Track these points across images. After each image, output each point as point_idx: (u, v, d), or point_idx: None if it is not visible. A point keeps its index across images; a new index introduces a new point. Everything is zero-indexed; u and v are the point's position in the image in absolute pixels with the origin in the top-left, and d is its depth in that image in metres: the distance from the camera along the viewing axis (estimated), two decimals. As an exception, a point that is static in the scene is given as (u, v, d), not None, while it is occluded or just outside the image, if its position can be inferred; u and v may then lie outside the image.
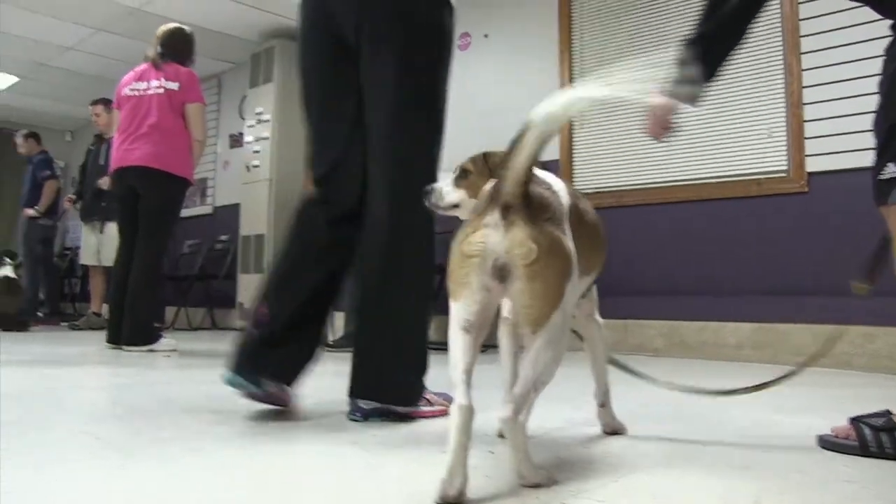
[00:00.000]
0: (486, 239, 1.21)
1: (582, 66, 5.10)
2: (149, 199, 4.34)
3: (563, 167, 5.08)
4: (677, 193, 4.59)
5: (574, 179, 5.05)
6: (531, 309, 1.21)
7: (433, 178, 1.96)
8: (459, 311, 1.25)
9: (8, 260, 6.49)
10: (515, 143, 1.18)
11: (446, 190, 1.81)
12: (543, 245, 1.20)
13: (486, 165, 1.77)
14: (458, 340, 1.25)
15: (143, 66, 4.56)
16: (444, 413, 1.92)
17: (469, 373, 1.24)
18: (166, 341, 4.35)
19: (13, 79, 8.78)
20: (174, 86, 4.39)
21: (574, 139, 5.08)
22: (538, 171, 1.32)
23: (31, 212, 7.51)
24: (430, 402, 2.03)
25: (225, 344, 5.41)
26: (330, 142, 2.08)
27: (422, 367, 2.04)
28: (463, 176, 1.80)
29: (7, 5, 6.67)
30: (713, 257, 4.42)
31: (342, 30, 2.00)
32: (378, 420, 1.95)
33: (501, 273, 1.21)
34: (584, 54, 5.10)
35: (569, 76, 5.13)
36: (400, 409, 1.97)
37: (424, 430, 1.85)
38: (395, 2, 1.97)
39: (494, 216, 1.22)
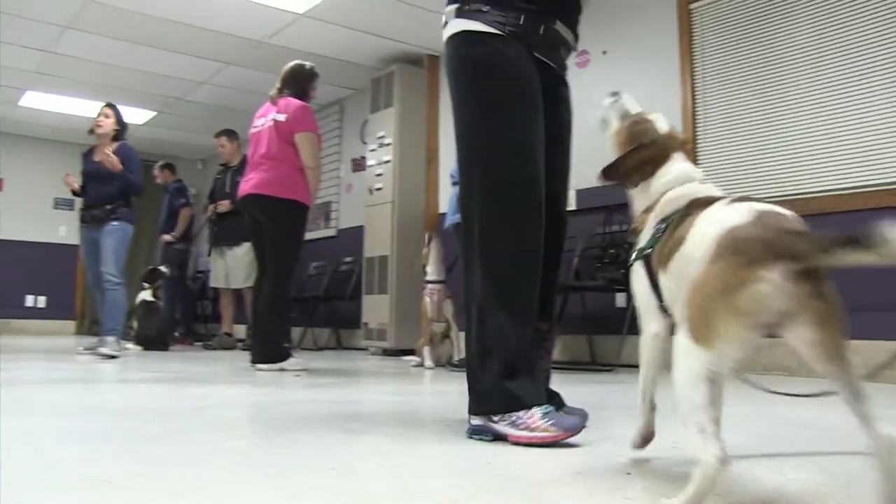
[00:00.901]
0: (769, 298, 1.09)
1: (704, 81, 4.96)
2: (267, 225, 4.55)
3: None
4: (814, 205, 4.34)
5: (699, 192, 4.91)
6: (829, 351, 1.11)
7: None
8: (711, 361, 1.14)
9: (146, 284, 6.84)
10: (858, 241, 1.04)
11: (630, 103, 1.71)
12: (833, 303, 1.11)
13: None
14: (701, 389, 1.14)
15: (266, 104, 4.81)
16: (545, 441, 1.76)
17: (718, 423, 1.17)
18: (295, 361, 4.49)
19: (151, 113, 9.29)
20: (282, 117, 4.58)
21: (699, 148, 4.95)
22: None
23: (167, 237, 7.90)
24: (529, 428, 1.79)
25: (349, 363, 5.55)
26: None
27: (506, 374, 1.86)
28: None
29: (145, 46, 7.08)
30: (858, 272, 4.17)
31: None
32: (485, 438, 1.87)
33: (775, 327, 1.12)
34: (706, 68, 4.96)
35: (691, 91, 5.00)
36: (499, 426, 1.84)
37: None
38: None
39: (779, 274, 1.09)
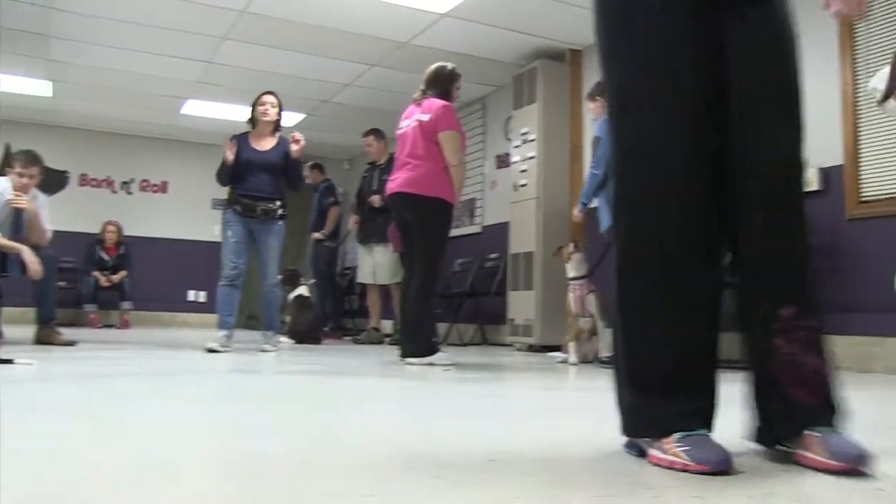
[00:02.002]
0: None
1: (867, 62, 4.69)
2: (413, 223, 4.65)
3: (847, 173, 4.71)
4: None
5: (860, 187, 4.65)
6: None
7: None
8: None
9: (303, 280, 7.10)
10: None
11: None
12: None
13: None
14: None
15: (411, 105, 4.90)
16: (673, 467, 1.48)
17: None
18: (444, 355, 4.55)
19: (301, 116, 9.64)
20: (426, 117, 4.65)
21: (860, 142, 4.69)
22: None
23: (317, 235, 8.18)
24: (662, 449, 1.52)
25: (495, 358, 5.58)
26: None
27: (645, 389, 1.61)
28: None
29: (294, 52, 7.37)
30: None
31: None
32: (632, 453, 1.65)
33: None
34: (871, 47, 4.69)
35: (851, 73, 4.74)
36: (641, 442, 1.61)
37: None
38: None
39: None
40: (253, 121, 5.55)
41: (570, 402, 3.08)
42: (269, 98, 5.55)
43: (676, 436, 1.50)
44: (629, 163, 1.66)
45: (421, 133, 4.65)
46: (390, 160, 7.46)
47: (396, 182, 4.70)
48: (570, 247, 5.16)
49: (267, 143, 5.49)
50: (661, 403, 1.57)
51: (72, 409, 2.29)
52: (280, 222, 5.45)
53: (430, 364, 4.43)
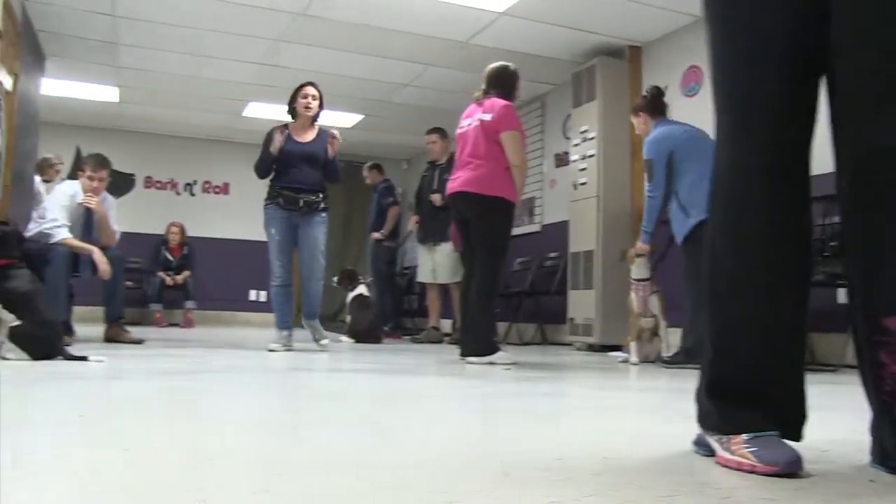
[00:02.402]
0: None
1: None
2: (474, 222, 4.64)
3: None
4: None
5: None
6: None
7: None
8: None
9: (361, 279, 7.16)
10: None
11: None
12: None
13: None
14: None
15: (472, 105, 4.88)
16: (741, 468, 1.44)
17: None
18: (504, 354, 4.53)
19: (359, 117, 9.72)
20: (488, 117, 4.63)
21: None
22: None
23: (377, 235, 8.23)
24: (730, 450, 1.48)
25: (555, 358, 5.55)
26: None
27: (718, 388, 1.58)
28: None
29: (352, 53, 7.42)
30: None
31: None
32: (701, 452, 1.62)
33: None
34: None
35: None
36: (711, 440, 1.56)
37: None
38: None
39: None
40: (293, 112, 5.47)
41: (632, 402, 3.05)
42: (311, 90, 5.44)
43: (745, 436, 1.47)
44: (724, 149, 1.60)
45: (483, 132, 4.63)
46: (451, 160, 7.47)
47: (458, 181, 4.70)
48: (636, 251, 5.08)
49: (308, 135, 5.42)
50: (735, 403, 1.54)
51: (148, 405, 2.34)
52: (323, 214, 5.38)
53: (491, 363, 4.42)
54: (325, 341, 5.48)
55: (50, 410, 2.17)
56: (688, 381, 3.41)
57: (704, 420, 1.59)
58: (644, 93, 5.11)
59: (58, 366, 3.48)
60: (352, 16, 6.54)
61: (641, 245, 4.98)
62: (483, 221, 4.60)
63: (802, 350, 1.60)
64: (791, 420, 1.53)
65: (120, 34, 7.16)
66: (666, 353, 4.84)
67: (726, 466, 1.48)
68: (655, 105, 5.01)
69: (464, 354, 4.60)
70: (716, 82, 1.61)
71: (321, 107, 5.48)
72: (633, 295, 5.01)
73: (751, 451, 1.44)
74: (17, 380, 3.01)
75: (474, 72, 7.48)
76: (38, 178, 6.42)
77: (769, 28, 1.50)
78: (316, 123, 5.48)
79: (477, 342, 4.54)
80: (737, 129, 1.55)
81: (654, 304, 4.92)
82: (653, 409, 2.75)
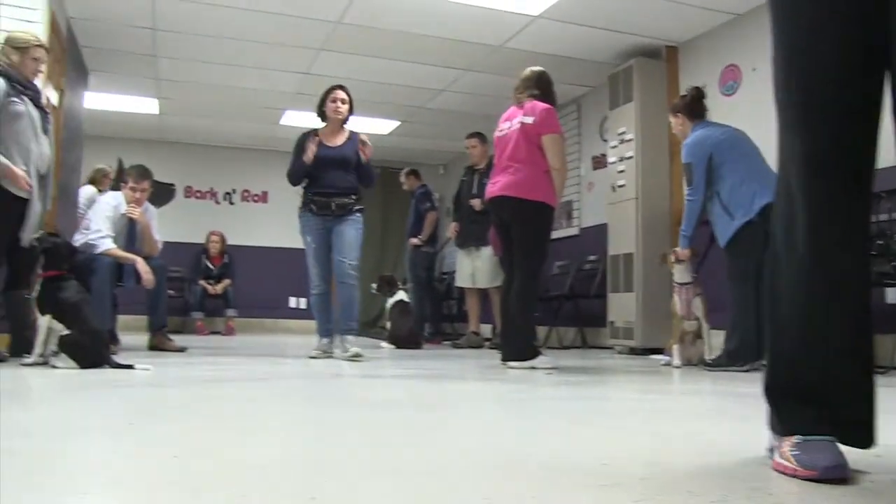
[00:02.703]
0: None
1: None
2: (514, 226, 4.61)
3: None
4: None
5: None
6: None
7: None
8: None
9: (401, 285, 7.18)
10: None
11: None
12: None
13: None
14: None
15: (511, 108, 4.85)
16: (786, 472, 1.43)
17: None
18: (545, 359, 4.52)
19: (395, 123, 9.76)
20: (529, 120, 4.61)
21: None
22: None
23: (415, 241, 8.24)
24: (780, 453, 1.47)
25: (596, 361, 5.52)
26: None
27: (773, 390, 1.55)
28: None
29: (388, 59, 7.46)
30: None
31: None
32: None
33: None
34: None
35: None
36: (773, 441, 1.54)
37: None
38: None
39: None
40: (322, 115, 5.40)
41: (677, 405, 3.02)
42: (340, 93, 5.35)
43: (795, 439, 1.45)
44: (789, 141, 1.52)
45: (523, 136, 4.61)
46: (490, 164, 7.46)
47: (497, 185, 4.68)
48: (675, 255, 5.00)
49: (338, 138, 5.32)
50: (788, 405, 1.52)
51: (194, 413, 2.37)
52: (357, 214, 5.25)
53: (532, 368, 4.41)
54: (353, 351, 5.05)
55: (100, 418, 2.20)
56: (732, 384, 3.39)
57: (768, 422, 1.56)
58: (683, 93, 5.04)
59: (105, 374, 3.54)
60: (388, 23, 6.57)
61: (681, 251, 4.93)
62: (523, 225, 4.58)
63: (867, 354, 1.53)
64: (853, 425, 1.49)
65: (160, 47, 7.27)
66: (709, 356, 4.79)
67: (776, 470, 1.46)
68: (694, 107, 4.93)
69: (505, 359, 4.59)
70: (778, 83, 1.55)
71: (351, 110, 5.41)
72: (675, 298, 4.96)
73: (794, 455, 1.42)
74: (66, 388, 3.07)
75: (509, 75, 7.45)
76: (92, 189, 6.54)
77: (832, 22, 1.46)
78: (346, 126, 5.41)
79: (518, 347, 4.53)
80: (798, 126, 1.51)
81: (698, 306, 4.87)
82: (699, 413, 2.72)
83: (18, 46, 4.28)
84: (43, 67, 4.47)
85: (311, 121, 5.28)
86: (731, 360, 4.46)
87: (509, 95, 5.00)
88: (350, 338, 5.15)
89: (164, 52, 7.39)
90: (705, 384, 3.81)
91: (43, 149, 4.39)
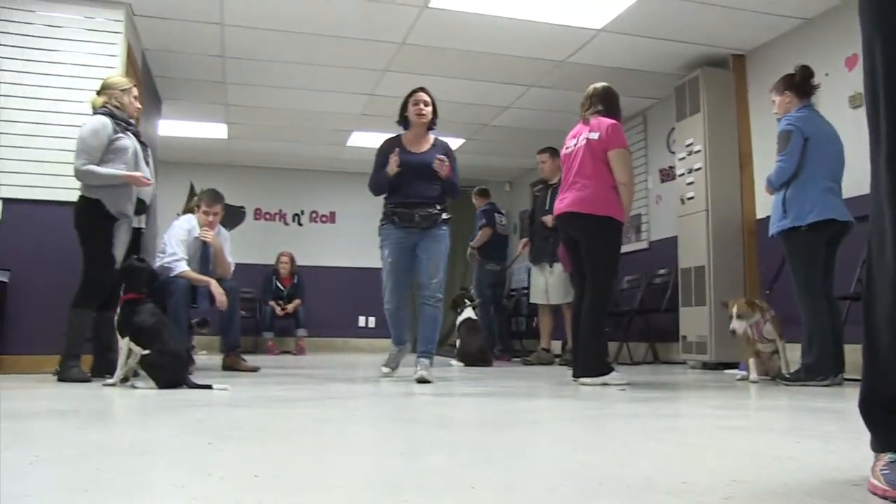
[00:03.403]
0: None
1: None
2: (583, 242, 4.60)
3: None
4: None
5: None
6: None
7: None
8: None
9: (468, 302, 7.18)
10: None
11: None
12: None
13: None
14: None
15: (578, 124, 4.84)
16: (875, 492, 1.36)
17: None
18: (618, 375, 4.47)
19: (461, 141, 9.81)
20: (595, 135, 4.60)
21: None
22: None
23: (470, 250, 8.27)
24: (873, 472, 1.42)
25: (669, 377, 5.43)
26: None
27: (868, 404, 1.49)
28: None
29: (453, 78, 7.49)
30: None
31: None
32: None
33: None
34: None
35: None
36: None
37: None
38: None
39: None
40: (405, 122, 5.11)
41: (756, 422, 2.95)
42: (423, 96, 5.06)
43: (888, 456, 1.39)
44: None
45: (589, 152, 4.60)
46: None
47: (565, 202, 4.68)
48: (735, 308, 4.80)
49: (423, 144, 5.02)
50: (886, 419, 1.45)
51: (271, 432, 2.40)
52: (444, 227, 4.92)
53: (604, 384, 4.37)
54: (420, 375, 4.66)
55: (180, 438, 2.25)
56: (811, 399, 3.30)
57: (871, 438, 1.50)
58: (793, 71, 4.80)
59: (183, 394, 3.61)
60: (451, 42, 6.62)
61: (767, 186, 4.75)
62: (592, 241, 4.56)
63: None
64: None
65: (228, 74, 7.46)
66: (786, 370, 4.67)
67: (870, 491, 1.39)
68: (805, 87, 4.69)
69: (576, 375, 4.56)
70: (873, 96, 1.47)
71: (435, 113, 5.09)
72: (746, 328, 4.82)
73: (884, 474, 1.35)
74: (146, 408, 3.14)
75: (574, 90, 7.44)
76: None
77: None
78: (430, 132, 5.11)
79: (589, 363, 4.49)
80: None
81: (770, 331, 4.75)
82: (780, 429, 2.65)
83: (123, 88, 4.73)
84: (140, 104, 4.88)
85: (378, 141, 5.28)
86: (810, 374, 4.35)
87: (574, 110, 4.98)
88: (425, 361, 4.78)
89: (233, 78, 7.58)
90: (783, 399, 3.71)
91: None
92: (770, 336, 4.75)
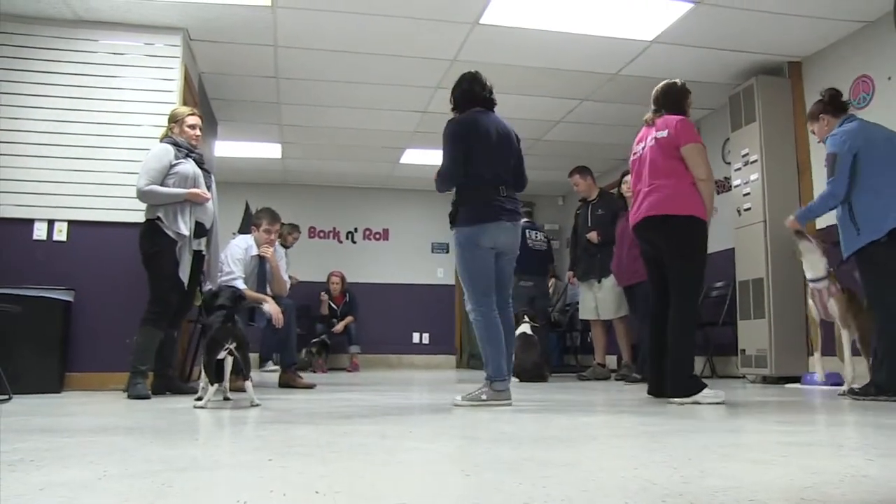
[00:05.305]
0: None
1: None
2: (666, 247, 4.28)
3: None
4: None
5: None
6: None
7: None
8: None
9: (526, 318, 7.14)
10: None
11: None
12: None
13: None
14: None
15: (643, 129, 4.60)
16: None
17: None
18: (711, 392, 4.07)
19: (514, 156, 9.79)
20: (663, 133, 4.32)
21: None
22: None
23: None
24: None
25: (729, 391, 5.31)
26: None
27: None
28: None
29: (506, 94, 7.39)
30: None
31: None
32: None
33: None
34: None
35: None
36: None
37: None
38: None
39: None
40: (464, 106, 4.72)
41: (826, 438, 2.85)
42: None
43: None
44: None
45: (660, 151, 4.29)
46: (601, 195, 7.39)
47: (642, 208, 4.33)
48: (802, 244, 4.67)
49: None
50: None
51: (331, 448, 2.41)
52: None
53: (696, 402, 4.01)
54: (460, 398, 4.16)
55: (240, 454, 2.27)
56: (881, 415, 3.20)
57: None
58: (820, 95, 4.73)
59: (243, 412, 3.65)
60: (503, 58, 6.63)
61: (793, 220, 4.69)
62: (673, 242, 4.22)
63: None
64: None
65: (282, 95, 7.57)
66: (850, 378, 4.53)
67: None
68: (836, 104, 4.63)
69: (653, 392, 4.38)
70: None
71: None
72: (810, 302, 4.69)
73: None
74: (207, 425, 3.18)
75: (627, 102, 7.42)
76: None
77: None
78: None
79: (680, 381, 4.10)
80: None
81: (834, 308, 4.57)
82: (852, 446, 2.58)
83: (177, 119, 4.97)
84: (199, 132, 5.06)
85: (431, 158, 5.31)
86: (880, 390, 4.17)
87: (627, 123, 4.93)
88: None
89: (286, 98, 7.69)
90: (853, 415, 3.61)
91: (207, 204, 4.89)
92: (832, 313, 4.61)
